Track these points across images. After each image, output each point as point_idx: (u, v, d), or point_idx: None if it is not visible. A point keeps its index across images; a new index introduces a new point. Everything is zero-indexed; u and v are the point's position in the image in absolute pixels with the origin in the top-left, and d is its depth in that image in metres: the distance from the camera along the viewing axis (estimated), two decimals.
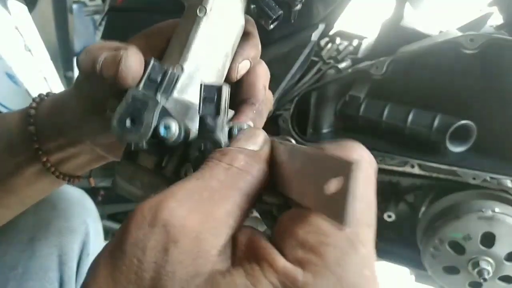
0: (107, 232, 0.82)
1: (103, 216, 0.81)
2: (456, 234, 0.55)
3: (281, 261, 0.15)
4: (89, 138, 0.29)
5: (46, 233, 0.39)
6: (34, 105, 0.30)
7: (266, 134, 0.20)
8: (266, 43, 0.48)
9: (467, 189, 0.56)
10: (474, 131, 0.52)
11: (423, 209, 0.62)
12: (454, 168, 0.53)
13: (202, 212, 0.16)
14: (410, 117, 0.54)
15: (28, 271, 0.37)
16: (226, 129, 0.21)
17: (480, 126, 0.52)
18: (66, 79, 0.76)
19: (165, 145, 0.21)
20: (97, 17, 0.70)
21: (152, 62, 0.22)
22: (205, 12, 0.25)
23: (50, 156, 0.29)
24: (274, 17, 0.25)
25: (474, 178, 0.53)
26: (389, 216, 0.64)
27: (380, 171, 0.59)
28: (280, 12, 0.25)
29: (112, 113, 0.21)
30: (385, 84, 0.55)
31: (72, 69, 0.77)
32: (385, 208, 0.65)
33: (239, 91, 0.26)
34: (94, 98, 0.26)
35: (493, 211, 0.52)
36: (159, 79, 0.21)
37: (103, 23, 0.63)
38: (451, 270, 0.58)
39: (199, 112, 0.20)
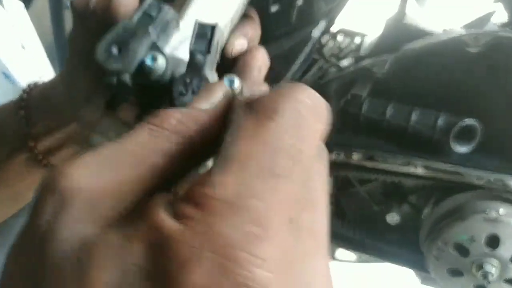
0: None
1: None
2: (460, 236, 0.54)
3: (159, 216, 0.13)
4: (77, 118, 0.29)
5: None
6: (27, 89, 0.31)
7: (227, 91, 0.18)
8: (266, 40, 0.47)
9: (471, 190, 0.55)
10: (478, 131, 0.51)
11: (426, 210, 0.61)
12: (458, 169, 0.53)
13: (107, 176, 0.15)
14: (413, 116, 0.53)
15: None
16: (216, 76, 0.20)
17: (484, 126, 0.51)
18: None
19: (150, 82, 0.20)
20: None
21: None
22: None
23: (38, 142, 0.30)
24: None
25: (478, 179, 0.52)
26: (392, 218, 0.63)
27: (383, 171, 0.58)
28: None
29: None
30: (388, 83, 0.55)
31: None
32: (388, 209, 0.64)
33: (232, 71, 0.26)
34: (84, 56, 0.25)
35: (498, 212, 0.52)
36: (154, 15, 0.21)
37: None
38: (455, 272, 0.57)
39: (190, 48, 0.19)
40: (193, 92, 0.18)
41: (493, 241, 0.53)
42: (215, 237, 0.12)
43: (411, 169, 0.55)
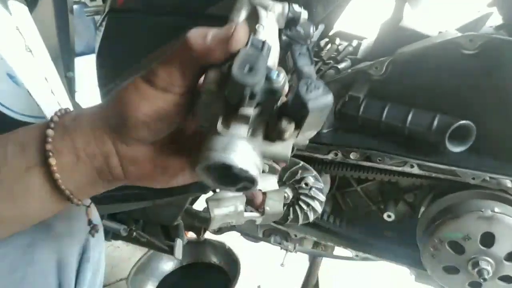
0: (107, 232, 0.82)
1: (103, 216, 0.81)
2: (456, 234, 0.55)
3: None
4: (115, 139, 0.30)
5: (46, 238, 0.38)
6: (58, 113, 0.31)
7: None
8: None
9: (466, 189, 0.56)
10: (473, 131, 0.52)
11: (422, 209, 0.62)
12: (454, 168, 0.53)
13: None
14: (410, 117, 0.54)
15: (27, 275, 0.36)
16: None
17: (479, 126, 0.52)
18: (67, 79, 0.76)
19: (272, 90, 0.25)
20: (98, 18, 0.71)
21: (252, 35, 0.27)
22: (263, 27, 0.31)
23: (59, 157, 0.29)
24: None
25: (473, 178, 0.53)
26: (389, 216, 0.64)
27: (380, 171, 0.59)
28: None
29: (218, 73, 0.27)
30: (385, 85, 0.55)
31: (72, 70, 0.77)
32: (385, 208, 0.65)
33: None
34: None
35: (493, 211, 0.53)
36: (260, 46, 0.26)
37: (104, 23, 0.63)
38: (451, 270, 0.58)
39: (296, 66, 0.26)
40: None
41: (488, 239, 0.53)
42: None
43: (408, 169, 0.56)
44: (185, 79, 0.28)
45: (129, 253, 1.30)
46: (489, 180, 0.53)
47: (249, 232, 0.77)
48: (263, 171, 0.31)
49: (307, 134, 0.28)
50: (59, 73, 0.63)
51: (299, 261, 0.91)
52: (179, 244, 0.78)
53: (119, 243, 1.31)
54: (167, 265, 1.14)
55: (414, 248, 0.64)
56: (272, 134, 0.27)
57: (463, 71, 0.52)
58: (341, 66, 0.62)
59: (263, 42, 0.26)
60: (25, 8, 0.62)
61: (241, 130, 0.26)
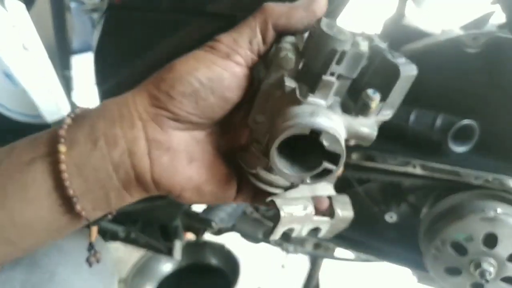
0: (105, 233, 0.82)
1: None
2: (458, 235, 0.54)
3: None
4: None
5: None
6: (72, 115, 0.26)
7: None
8: None
9: (469, 189, 0.55)
10: (476, 131, 0.52)
11: (424, 209, 0.61)
12: (456, 169, 0.53)
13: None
14: (412, 116, 0.53)
15: None
16: None
17: (482, 126, 0.51)
18: (64, 77, 0.75)
19: (358, 59, 0.23)
20: (95, 15, 0.70)
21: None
22: None
23: (72, 146, 0.24)
24: None
25: (476, 178, 0.53)
26: (391, 217, 0.64)
27: (382, 171, 0.59)
28: None
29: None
30: None
31: (70, 68, 0.76)
32: (387, 208, 0.64)
33: None
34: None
35: (496, 211, 0.52)
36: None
37: (102, 21, 0.62)
38: (453, 271, 0.57)
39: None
40: None
41: (491, 240, 0.53)
42: None
43: (410, 169, 0.56)
44: (252, 47, 0.25)
45: (127, 255, 1.29)
46: (492, 181, 0.53)
47: (249, 233, 0.76)
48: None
49: (388, 112, 0.26)
50: (56, 71, 0.62)
51: (299, 263, 0.90)
52: (178, 245, 0.78)
53: (117, 244, 1.30)
54: (166, 266, 1.13)
55: (416, 249, 0.63)
56: (353, 108, 0.24)
57: (466, 70, 0.52)
58: None
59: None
60: (22, 6, 0.62)
61: (324, 100, 0.23)
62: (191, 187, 0.26)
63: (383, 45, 0.25)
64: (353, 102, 0.24)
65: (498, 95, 0.52)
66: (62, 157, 0.24)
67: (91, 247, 0.31)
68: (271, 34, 0.25)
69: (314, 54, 0.22)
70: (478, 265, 0.54)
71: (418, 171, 0.55)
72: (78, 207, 0.25)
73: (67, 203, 0.25)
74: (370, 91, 0.24)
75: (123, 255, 1.29)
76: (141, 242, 0.81)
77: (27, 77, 0.67)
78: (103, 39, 0.63)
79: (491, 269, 0.54)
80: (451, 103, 0.53)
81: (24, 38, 0.65)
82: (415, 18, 0.57)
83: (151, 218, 0.80)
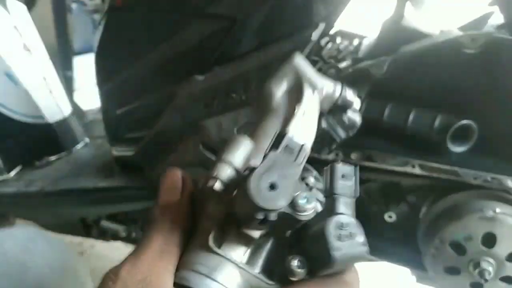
0: (106, 232, 0.82)
1: (102, 217, 0.80)
2: (457, 235, 0.54)
3: None
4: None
5: None
6: None
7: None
8: (266, 43, 0.48)
9: (468, 189, 0.55)
10: (475, 131, 0.52)
11: (424, 209, 0.61)
12: (455, 168, 0.53)
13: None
14: (411, 117, 0.54)
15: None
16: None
17: (481, 126, 0.52)
18: (66, 78, 0.75)
19: (292, 220, 0.19)
20: (97, 17, 0.70)
21: (287, 134, 0.21)
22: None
23: None
24: (337, 140, 0.28)
25: (475, 178, 0.53)
26: (390, 217, 0.64)
27: (381, 171, 0.59)
28: (343, 137, 0.27)
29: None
30: (386, 84, 0.55)
31: (71, 69, 0.77)
32: (386, 208, 0.65)
33: None
34: None
35: (494, 211, 0.52)
36: (296, 151, 0.20)
37: (103, 22, 0.62)
38: (452, 270, 0.58)
39: (332, 192, 0.21)
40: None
41: (490, 240, 0.53)
42: None
43: (409, 169, 0.56)
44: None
45: (128, 254, 1.30)
46: (491, 181, 0.53)
47: None
48: None
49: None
50: (57, 72, 0.63)
51: None
52: None
53: (118, 243, 1.30)
54: None
55: (415, 249, 0.63)
56: (275, 268, 0.21)
57: (465, 70, 0.52)
58: (342, 65, 0.62)
59: (301, 147, 0.21)
60: (23, 7, 0.62)
61: (237, 253, 0.21)
62: None
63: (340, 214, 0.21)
64: (280, 262, 0.21)
65: (496, 95, 0.52)
66: None
67: None
68: None
69: (240, 206, 0.20)
70: (477, 265, 0.54)
71: (417, 171, 0.56)
72: None
73: None
74: (295, 262, 0.20)
75: (124, 254, 1.30)
76: None
77: (29, 78, 0.67)
78: (104, 40, 0.63)
79: (490, 269, 0.54)
80: (450, 104, 0.53)
81: (26, 39, 0.66)
82: (414, 19, 0.57)
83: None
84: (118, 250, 1.31)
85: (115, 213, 0.80)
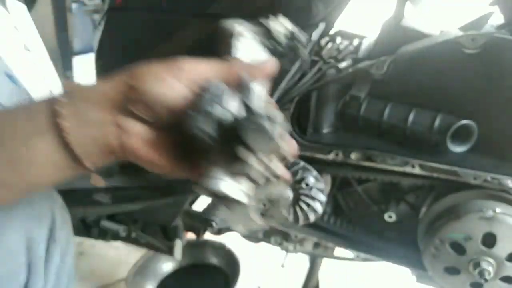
0: (106, 232, 0.82)
1: (101, 217, 0.80)
2: (457, 235, 0.54)
3: None
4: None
5: (13, 220, 0.39)
6: (67, 84, 0.35)
7: None
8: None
9: (468, 189, 0.55)
10: (475, 131, 0.52)
11: (423, 209, 0.61)
12: (455, 168, 0.53)
13: None
14: (411, 117, 0.54)
15: None
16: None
17: (481, 126, 0.52)
18: (66, 78, 0.75)
19: (225, 125, 0.28)
20: (96, 17, 0.70)
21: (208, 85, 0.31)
22: None
23: (67, 120, 0.31)
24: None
25: (475, 178, 0.53)
26: (390, 217, 0.64)
27: (381, 171, 0.59)
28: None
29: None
30: (386, 84, 0.55)
31: (71, 69, 0.77)
32: (386, 208, 0.65)
33: None
34: None
35: (494, 211, 0.52)
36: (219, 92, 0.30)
37: (103, 22, 0.62)
38: (452, 270, 0.58)
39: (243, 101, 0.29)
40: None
41: (489, 240, 0.53)
42: None
43: (409, 169, 0.56)
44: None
45: (128, 254, 1.30)
46: (491, 181, 0.53)
47: (249, 232, 0.77)
48: None
49: None
50: (57, 72, 0.63)
51: (299, 262, 0.90)
52: (178, 245, 0.78)
53: (118, 243, 1.30)
54: (167, 265, 1.13)
55: (415, 248, 0.63)
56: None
57: (465, 71, 0.52)
58: (342, 65, 0.62)
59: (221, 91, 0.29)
60: (23, 7, 0.62)
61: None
62: (145, 161, 0.34)
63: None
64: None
65: (496, 95, 0.52)
66: (67, 131, 0.31)
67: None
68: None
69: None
70: (477, 265, 0.54)
71: (417, 171, 0.56)
72: (86, 163, 0.32)
73: (75, 161, 0.32)
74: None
75: (124, 254, 1.30)
76: (142, 241, 0.81)
77: (29, 77, 0.67)
78: (103, 40, 0.63)
79: (490, 269, 0.54)
80: (450, 103, 0.53)
81: (26, 39, 0.65)
82: (414, 19, 0.57)
83: (152, 218, 0.80)
84: (118, 250, 1.31)
85: (115, 213, 0.80)
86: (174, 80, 0.32)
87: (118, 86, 0.32)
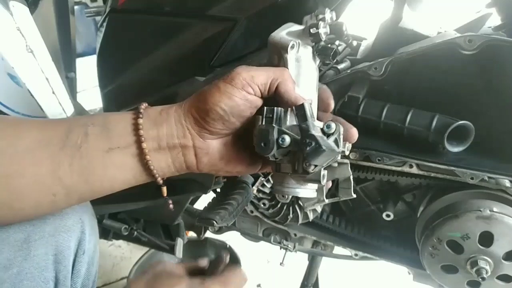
0: (108, 232, 0.83)
1: (104, 216, 0.81)
2: (455, 234, 0.55)
3: None
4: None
5: (41, 232, 0.39)
6: (143, 106, 0.37)
7: None
8: (266, 44, 0.48)
9: (465, 188, 0.56)
10: (472, 131, 0.52)
11: (421, 208, 0.62)
12: (452, 168, 0.54)
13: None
14: (409, 117, 0.54)
15: (23, 271, 0.37)
16: (318, 128, 0.34)
17: (478, 127, 0.52)
18: (68, 80, 0.76)
19: (286, 149, 0.35)
20: (99, 19, 0.71)
21: (265, 108, 0.37)
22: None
23: (146, 142, 0.36)
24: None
25: (472, 178, 0.53)
26: (388, 216, 0.64)
27: (379, 170, 0.60)
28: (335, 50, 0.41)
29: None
30: (384, 85, 0.56)
31: (74, 70, 0.77)
32: (384, 207, 0.65)
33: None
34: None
35: (491, 210, 0.53)
36: (272, 115, 0.36)
37: (104, 24, 0.63)
38: (450, 269, 0.58)
39: (298, 124, 0.34)
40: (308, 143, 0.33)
41: (487, 239, 0.54)
42: None
43: (406, 168, 0.56)
44: (260, 87, 0.36)
45: (130, 252, 1.31)
46: (488, 180, 0.53)
47: (249, 231, 0.77)
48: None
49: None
50: (60, 74, 0.63)
51: (298, 261, 0.91)
52: (179, 243, 0.79)
53: (120, 242, 1.31)
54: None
55: (413, 247, 0.64)
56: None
57: (462, 72, 0.52)
58: (340, 66, 0.62)
59: (273, 111, 0.35)
60: (26, 9, 0.63)
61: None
62: (223, 172, 0.40)
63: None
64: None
65: (493, 96, 0.52)
66: (146, 151, 0.36)
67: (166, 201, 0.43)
68: (272, 90, 0.37)
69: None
70: (474, 263, 0.55)
71: (415, 170, 0.56)
72: (159, 179, 0.38)
73: (146, 179, 0.38)
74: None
75: (126, 253, 1.31)
76: (143, 240, 0.82)
77: (31, 79, 0.67)
78: (105, 42, 0.64)
79: (487, 267, 0.54)
80: (448, 104, 0.54)
81: (28, 40, 0.66)
82: (412, 21, 0.57)
83: (154, 217, 0.81)
84: (120, 249, 1.32)
85: (117, 212, 0.81)
86: (233, 90, 0.35)
87: (190, 113, 0.37)
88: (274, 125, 0.34)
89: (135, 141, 0.36)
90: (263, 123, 0.36)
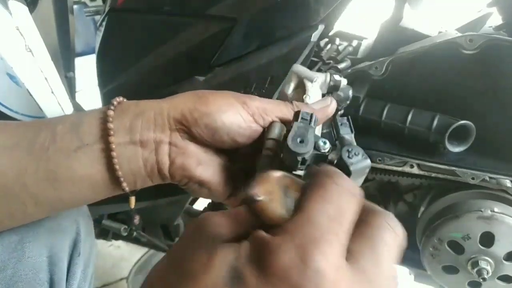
0: (107, 232, 0.83)
1: (103, 216, 0.81)
2: (455, 234, 0.55)
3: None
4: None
5: (36, 234, 0.38)
6: (117, 99, 0.33)
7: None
8: (266, 44, 0.48)
9: (466, 189, 0.56)
10: (473, 131, 0.52)
11: (422, 208, 0.62)
12: (453, 168, 0.53)
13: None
14: (409, 117, 0.54)
15: (17, 273, 0.36)
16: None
17: (479, 126, 0.52)
18: (67, 79, 0.76)
19: (320, 156, 0.31)
20: (98, 18, 0.71)
21: (300, 111, 0.34)
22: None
23: (115, 136, 0.31)
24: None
25: (473, 178, 0.53)
26: None
27: (380, 171, 0.59)
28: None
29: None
30: (385, 85, 0.55)
31: (73, 70, 0.77)
32: (384, 207, 0.65)
33: None
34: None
35: (492, 211, 0.53)
36: (308, 119, 0.32)
37: (104, 23, 0.63)
38: (451, 269, 0.58)
39: (339, 135, 0.33)
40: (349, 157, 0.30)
41: (488, 239, 0.53)
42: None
43: (407, 169, 0.56)
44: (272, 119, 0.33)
45: (129, 253, 1.30)
46: (489, 180, 0.53)
47: None
48: None
49: None
50: (59, 73, 0.63)
51: None
52: None
53: (120, 242, 1.31)
54: None
55: (413, 248, 0.64)
56: None
57: (463, 71, 0.52)
58: (341, 66, 0.62)
59: (311, 115, 0.31)
60: (25, 8, 0.62)
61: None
62: (194, 183, 0.34)
63: (346, 140, 0.33)
64: None
65: (494, 95, 0.52)
66: (113, 146, 0.30)
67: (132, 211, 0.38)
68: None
69: (285, 157, 0.30)
70: (475, 264, 0.55)
71: (416, 170, 0.56)
72: (124, 184, 0.32)
73: (114, 181, 0.32)
74: None
75: (125, 253, 1.30)
76: (143, 240, 0.82)
77: (30, 78, 0.67)
78: (105, 41, 0.64)
79: (488, 268, 0.54)
80: (448, 104, 0.54)
81: (27, 40, 0.66)
82: (412, 20, 0.57)
83: (153, 217, 0.81)
84: (119, 250, 1.31)
85: (116, 212, 0.81)
86: (242, 110, 0.32)
87: (179, 107, 0.32)
88: (313, 126, 0.31)
89: (101, 135, 0.31)
90: (299, 121, 0.33)
